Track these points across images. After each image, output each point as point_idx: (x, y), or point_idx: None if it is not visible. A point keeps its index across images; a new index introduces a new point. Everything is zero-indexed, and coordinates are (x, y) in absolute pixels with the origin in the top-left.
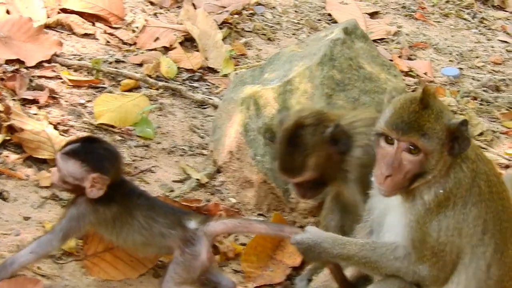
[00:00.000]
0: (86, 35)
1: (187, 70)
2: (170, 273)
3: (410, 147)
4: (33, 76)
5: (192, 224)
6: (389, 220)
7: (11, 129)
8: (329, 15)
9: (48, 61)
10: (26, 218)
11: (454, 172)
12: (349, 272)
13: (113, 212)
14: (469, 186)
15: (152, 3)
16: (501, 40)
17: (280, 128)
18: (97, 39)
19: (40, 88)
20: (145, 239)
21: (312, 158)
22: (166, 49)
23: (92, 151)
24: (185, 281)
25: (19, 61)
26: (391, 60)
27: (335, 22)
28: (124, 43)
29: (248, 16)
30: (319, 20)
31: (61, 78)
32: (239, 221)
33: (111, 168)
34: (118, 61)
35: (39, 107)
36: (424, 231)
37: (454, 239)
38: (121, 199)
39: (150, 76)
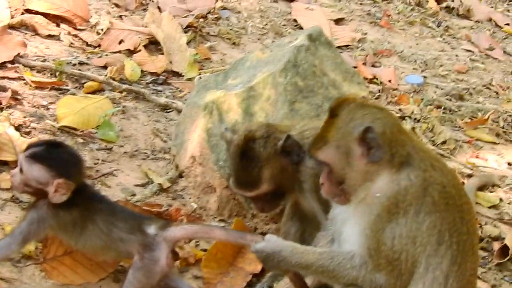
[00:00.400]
0: (50, 36)
1: (151, 74)
2: (129, 278)
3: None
4: None
5: (151, 229)
6: (347, 229)
7: None
8: (295, 20)
9: (11, 62)
10: None
11: (399, 180)
12: (310, 280)
13: (73, 216)
14: (418, 195)
15: (117, 5)
16: (465, 49)
17: (230, 145)
18: (61, 40)
19: (3, 89)
20: (104, 244)
21: (266, 171)
22: (130, 52)
23: (58, 156)
24: (144, 287)
25: None
26: (355, 67)
27: (301, 28)
28: (89, 45)
29: (213, 20)
30: (285, 25)
31: (24, 79)
32: (199, 227)
33: (75, 173)
34: (82, 63)
35: (1, 108)
36: (378, 238)
37: (409, 247)
38: (82, 203)
39: (113, 79)
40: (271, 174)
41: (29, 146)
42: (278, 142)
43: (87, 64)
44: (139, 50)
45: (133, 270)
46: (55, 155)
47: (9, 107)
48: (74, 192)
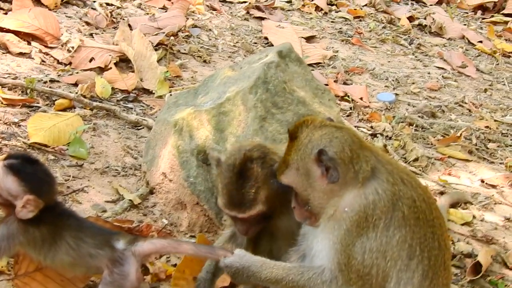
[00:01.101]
0: (21, 54)
1: (122, 91)
2: None
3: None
4: None
5: (120, 244)
6: (317, 244)
7: None
8: (266, 38)
9: None
10: None
11: (366, 194)
12: None
13: (42, 232)
14: (387, 209)
15: (88, 23)
16: (437, 67)
17: (221, 165)
18: (32, 58)
19: None
20: (73, 260)
21: (262, 192)
22: (101, 70)
23: (33, 172)
24: None
25: None
26: (327, 85)
27: (272, 45)
28: (59, 63)
29: (184, 38)
30: (255, 43)
31: None
32: (167, 241)
33: (47, 192)
34: (52, 81)
35: None
36: (348, 253)
37: (379, 261)
38: (51, 220)
39: (84, 96)
40: (266, 195)
41: (9, 156)
42: (273, 163)
43: (58, 81)
44: (110, 68)
45: (103, 285)
46: (31, 171)
47: None
48: (43, 210)
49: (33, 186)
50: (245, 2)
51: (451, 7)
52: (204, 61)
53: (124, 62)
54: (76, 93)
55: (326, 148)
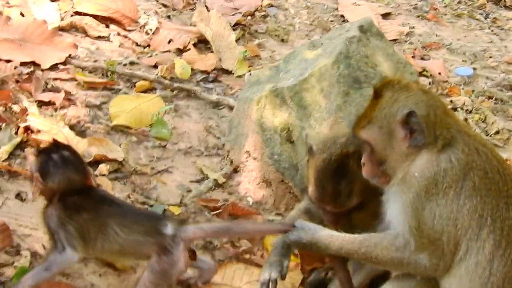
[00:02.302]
0: (100, 38)
1: (201, 72)
2: (144, 281)
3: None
4: (48, 78)
5: (168, 229)
6: (389, 209)
7: (28, 130)
8: (342, 16)
9: (63, 63)
10: None
11: (439, 161)
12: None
13: (84, 220)
14: (458, 177)
15: (165, 5)
16: None
17: (314, 154)
18: (111, 41)
19: (56, 90)
20: (121, 248)
21: (357, 186)
22: (179, 51)
23: (49, 157)
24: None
25: (34, 63)
26: None
27: (348, 22)
28: (138, 45)
29: (261, 17)
30: (332, 21)
31: (76, 80)
32: (218, 225)
33: (54, 175)
34: (132, 63)
35: (55, 109)
36: (419, 217)
37: (450, 228)
38: (91, 206)
39: (164, 78)
40: (361, 189)
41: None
42: None
43: (137, 63)
44: (189, 49)
45: (149, 274)
46: (49, 153)
47: (63, 107)
48: (79, 196)
49: (42, 168)
50: None
51: None
52: (282, 40)
53: (202, 43)
54: (156, 74)
55: (415, 110)
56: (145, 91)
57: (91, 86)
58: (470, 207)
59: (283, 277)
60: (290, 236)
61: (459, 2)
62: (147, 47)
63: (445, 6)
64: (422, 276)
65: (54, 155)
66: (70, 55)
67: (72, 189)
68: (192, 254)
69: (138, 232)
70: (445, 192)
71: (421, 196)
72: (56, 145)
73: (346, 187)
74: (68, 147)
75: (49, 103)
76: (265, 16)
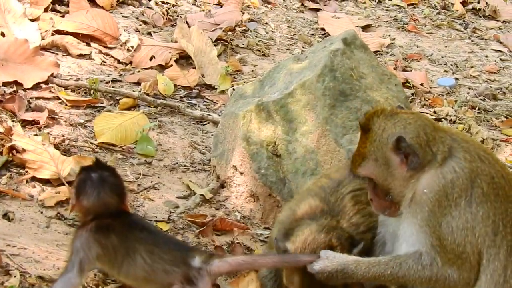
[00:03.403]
0: (81, 56)
1: (184, 88)
2: None
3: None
4: (31, 98)
5: (196, 262)
6: (403, 231)
7: (13, 150)
8: (322, 29)
9: (45, 82)
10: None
11: (444, 173)
12: None
13: (113, 243)
14: (466, 186)
15: (145, 22)
16: (494, 50)
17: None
18: (92, 59)
19: (39, 109)
20: (147, 275)
21: None
22: (162, 67)
23: (90, 173)
24: None
25: (17, 83)
26: None
27: (329, 35)
28: (120, 63)
29: (241, 32)
30: (312, 34)
31: (59, 99)
32: (243, 258)
33: (89, 195)
34: (115, 81)
35: (39, 128)
36: (438, 234)
37: (470, 238)
38: (121, 230)
39: (148, 94)
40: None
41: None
42: (352, 240)
43: (120, 81)
44: (171, 65)
45: None
46: (89, 173)
47: (46, 126)
48: (111, 219)
49: (79, 186)
50: None
51: None
52: (263, 55)
53: (184, 59)
54: (139, 91)
55: (403, 135)
56: (128, 108)
57: (74, 105)
58: (483, 214)
59: None
60: (314, 266)
61: (438, 13)
62: (129, 64)
63: (425, 17)
64: None
65: (94, 175)
66: (52, 74)
67: (106, 211)
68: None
69: (165, 261)
70: (457, 203)
71: (435, 212)
72: (98, 165)
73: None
74: (109, 168)
75: (33, 122)
76: (245, 31)
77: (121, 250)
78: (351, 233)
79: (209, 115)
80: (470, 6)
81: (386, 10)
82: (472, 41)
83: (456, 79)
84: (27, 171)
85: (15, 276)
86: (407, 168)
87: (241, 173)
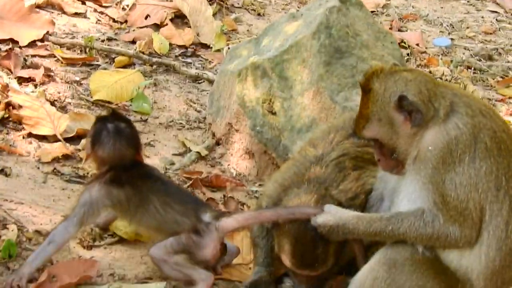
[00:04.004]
0: (76, 14)
1: (180, 46)
2: (166, 243)
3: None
4: (27, 55)
5: (206, 217)
6: (406, 187)
7: (10, 106)
8: None
9: (41, 40)
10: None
11: (448, 130)
12: None
13: (127, 194)
14: (470, 142)
15: None
16: (490, 10)
17: (287, 224)
18: (88, 17)
19: (35, 66)
20: (159, 224)
21: (332, 247)
22: (157, 26)
23: (106, 123)
24: (177, 262)
25: (12, 41)
26: None
27: None
28: (115, 21)
29: None
30: None
31: (55, 57)
32: (249, 213)
33: (104, 145)
34: (110, 39)
35: (35, 85)
36: (441, 191)
37: (474, 195)
38: (135, 181)
39: (143, 53)
40: (335, 249)
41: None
42: None
43: (115, 39)
44: (166, 24)
45: (175, 241)
46: (105, 123)
47: (43, 83)
48: (125, 170)
49: (95, 136)
50: None
51: None
52: (258, 14)
53: (179, 18)
54: (135, 50)
55: (404, 93)
56: (124, 67)
57: (70, 62)
58: (487, 169)
59: None
60: (317, 220)
61: None
62: (124, 23)
63: None
64: (453, 249)
65: (110, 125)
66: (47, 32)
67: (121, 162)
68: (223, 249)
69: (177, 212)
70: (461, 159)
71: (439, 169)
72: (114, 116)
73: (323, 251)
74: (125, 120)
75: (29, 80)
76: None
77: (135, 201)
78: (340, 200)
79: (204, 73)
80: None
81: None
82: (468, 1)
83: (452, 39)
84: (23, 128)
85: (12, 231)
86: (411, 125)
87: (237, 130)
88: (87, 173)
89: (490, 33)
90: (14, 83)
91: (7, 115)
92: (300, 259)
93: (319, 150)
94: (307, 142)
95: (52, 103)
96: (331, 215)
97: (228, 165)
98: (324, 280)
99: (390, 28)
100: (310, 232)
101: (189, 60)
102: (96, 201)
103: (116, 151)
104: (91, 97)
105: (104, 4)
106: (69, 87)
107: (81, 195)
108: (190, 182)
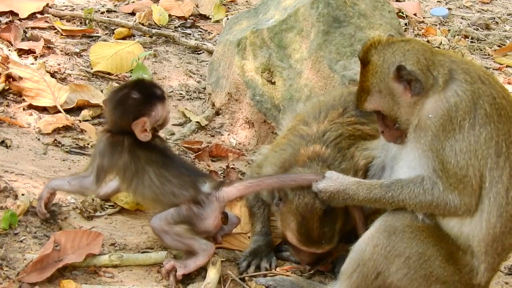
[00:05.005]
0: None
1: (179, 18)
2: (167, 214)
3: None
4: (27, 27)
5: (206, 187)
6: (406, 155)
7: (10, 78)
8: None
9: (41, 12)
10: (32, 164)
11: (447, 97)
12: None
13: (124, 161)
14: (469, 108)
15: None
16: None
17: (295, 201)
18: None
19: (35, 38)
20: (155, 196)
21: (338, 224)
22: None
23: (123, 88)
24: (179, 234)
25: (12, 13)
26: None
27: None
28: None
29: None
30: None
31: (54, 29)
32: (249, 182)
33: (113, 107)
34: (109, 11)
35: (35, 57)
36: (441, 158)
37: (473, 161)
38: (134, 150)
39: (143, 24)
40: (341, 226)
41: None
42: None
43: (114, 11)
44: None
45: (175, 211)
46: (123, 88)
47: (42, 55)
48: (126, 138)
49: (108, 96)
50: None
51: None
52: None
53: None
54: (135, 21)
55: (402, 63)
56: (124, 38)
57: (70, 34)
58: (487, 135)
59: None
60: (318, 185)
61: None
62: None
63: None
64: (453, 216)
65: (125, 90)
66: (47, 4)
67: (117, 128)
68: (225, 218)
69: (174, 184)
70: (461, 126)
71: (439, 136)
72: (137, 82)
73: (330, 229)
74: (149, 88)
75: (29, 52)
76: None
77: (132, 169)
78: None
79: (203, 44)
80: None
81: None
82: None
83: (449, 9)
84: (23, 99)
85: (22, 194)
86: (411, 94)
87: (236, 100)
88: (87, 144)
89: (487, 3)
90: (14, 55)
91: (7, 87)
92: (307, 237)
93: (313, 128)
94: (298, 120)
95: (52, 75)
96: (332, 181)
97: (228, 135)
98: (328, 256)
99: None
100: (318, 211)
101: (188, 31)
102: (103, 154)
103: (119, 115)
104: (91, 68)
105: None
106: (69, 58)
107: (95, 146)
108: (196, 153)
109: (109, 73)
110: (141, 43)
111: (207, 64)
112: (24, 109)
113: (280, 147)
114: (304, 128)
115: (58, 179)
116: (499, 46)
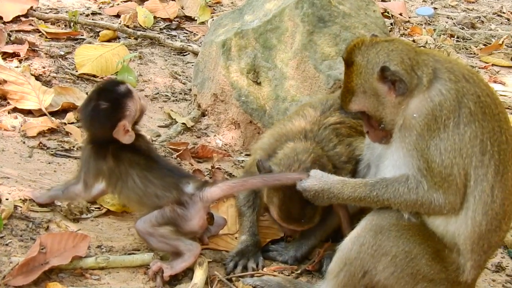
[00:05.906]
0: None
1: (164, 20)
2: (151, 217)
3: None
4: (11, 31)
5: (189, 188)
6: (391, 154)
7: None
8: None
9: (25, 15)
10: (17, 168)
11: (432, 96)
12: None
13: (108, 165)
14: (454, 107)
15: None
16: None
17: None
18: None
19: (20, 41)
20: (139, 198)
21: (320, 206)
22: (141, 0)
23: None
24: (163, 235)
25: None
26: None
27: None
28: None
29: None
30: None
31: (39, 32)
32: (234, 181)
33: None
34: (94, 13)
35: (20, 60)
36: (426, 157)
37: (458, 160)
38: (117, 154)
39: (128, 27)
40: (323, 207)
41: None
42: (328, 167)
43: (99, 14)
44: None
45: (159, 214)
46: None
47: (27, 58)
48: (110, 142)
49: (81, 106)
50: None
51: None
52: None
53: None
54: (119, 23)
55: (386, 63)
56: (109, 40)
57: (55, 37)
58: (471, 133)
59: None
60: (303, 184)
61: None
62: None
63: None
64: (437, 215)
65: (92, 104)
66: (31, 7)
67: (97, 138)
68: (210, 218)
69: (157, 186)
70: (445, 125)
71: (424, 135)
72: (100, 91)
73: (311, 209)
74: (112, 91)
75: (14, 55)
76: None
77: (116, 173)
78: (334, 162)
79: (189, 45)
80: None
81: None
82: None
83: (435, 8)
84: (8, 103)
85: (7, 199)
86: (396, 95)
87: (222, 101)
88: (73, 147)
89: (473, 2)
90: None
91: None
92: (287, 214)
93: (317, 112)
94: (307, 104)
95: (37, 78)
96: (317, 180)
97: (214, 136)
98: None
99: None
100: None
101: (173, 33)
102: (88, 161)
103: (90, 131)
104: (76, 71)
105: None
106: (54, 61)
107: (82, 155)
108: (178, 153)
109: (94, 76)
110: (126, 45)
111: (192, 65)
112: (9, 112)
113: (281, 122)
114: (310, 110)
115: (54, 190)
116: (484, 45)
